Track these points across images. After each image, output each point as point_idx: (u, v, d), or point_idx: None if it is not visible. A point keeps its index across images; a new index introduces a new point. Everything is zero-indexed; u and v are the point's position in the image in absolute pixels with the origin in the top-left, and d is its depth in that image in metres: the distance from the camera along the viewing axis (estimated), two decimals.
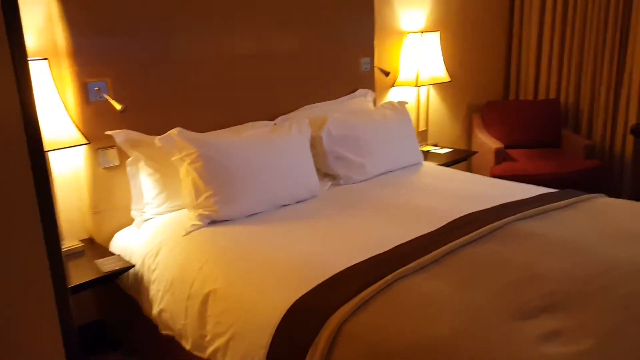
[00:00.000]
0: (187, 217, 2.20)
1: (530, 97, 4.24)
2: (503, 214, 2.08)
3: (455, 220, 2.04)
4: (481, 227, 1.93)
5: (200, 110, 2.52)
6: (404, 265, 1.66)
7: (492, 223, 1.97)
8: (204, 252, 1.97)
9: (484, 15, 4.09)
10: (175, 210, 2.32)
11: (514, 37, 4.26)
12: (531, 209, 2.13)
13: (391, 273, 1.62)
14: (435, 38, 3.51)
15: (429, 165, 3.03)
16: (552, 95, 4.13)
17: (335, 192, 2.57)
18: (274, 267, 1.79)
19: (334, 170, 2.67)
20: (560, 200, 2.25)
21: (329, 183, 2.64)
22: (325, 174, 2.69)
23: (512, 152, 3.82)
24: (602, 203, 2.27)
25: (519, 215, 2.05)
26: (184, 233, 2.09)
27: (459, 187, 2.55)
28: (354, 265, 1.71)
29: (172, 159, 2.22)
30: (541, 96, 4.18)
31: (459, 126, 4.12)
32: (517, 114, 4.02)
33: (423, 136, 3.72)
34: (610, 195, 2.42)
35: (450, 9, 3.80)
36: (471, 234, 1.87)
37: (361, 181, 2.69)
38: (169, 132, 2.20)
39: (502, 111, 4.04)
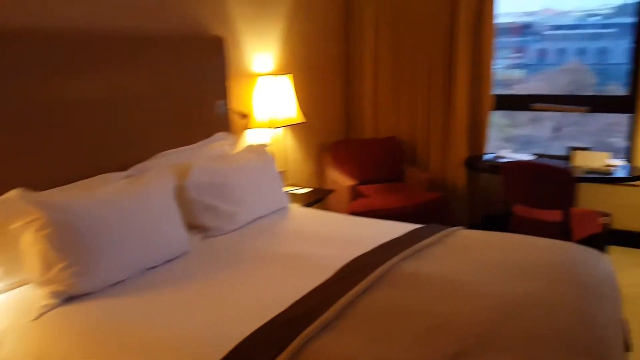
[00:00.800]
0: (34, 295, 1.82)
1: (372, 136, 4.49)
2: (384, 256, 2.10)
3: (343, 268, 2.00)
4: (369, 273, 1.91)
5: (41, 163, 2.14)
6: (307, 326, 1.56)
7: (377, 267, 1.97)
8: (64, 339, 1.63)
9: (326, 59, 4.25)
10: (15, 288, 1.91)
11: (351, 79, 4.49)
12: (407, 247, 2.19)
13: (297, 336, 1.50)
14: (287, 80, 3.53)
15: (296, 208, 2.99)
16: (390, 133, 4.42)
17: (208, 245, 2.37)
18: (155, 349, 1.54)
19: (203, 221, 2.47)
20: (429, 236, 2.36)
21: (199, 236, 2.44)
22: (193, 226, 2.48)
23: (364, 188, 3.98)
24: (464, 236, 2.43)
25: (400, 255, 2.09)
26: (33, 316, 1.72)
27: (332, 230, 2.54)
28: (253, 333, 1.55)
29: (12, 226, 1.83)
30: (381, 134, 4.46)
31: (312, 165, 4.18)
32: (362, 152, 4.22)
33: (282, 177, 3.68)
34: (452, 223, 2.63)
35: (297, 52, 3.88)
36: (363, 282, 1.84)
37: (233, 231, 2.53)
38: (6, 195, 1.82)
39: (350, 149, 4.21)
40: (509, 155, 3.80)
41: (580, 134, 4.90)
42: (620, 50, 4.97)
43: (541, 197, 3.09)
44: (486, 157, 4.00)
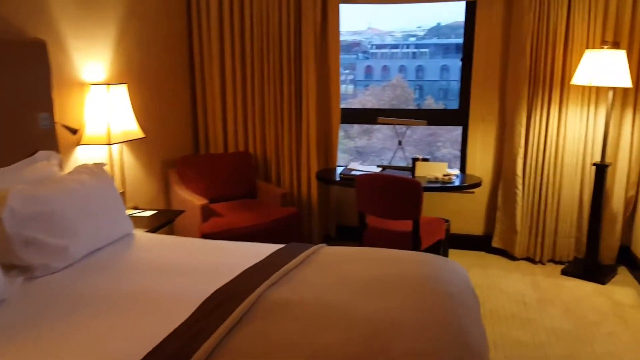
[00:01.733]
0: None
1: (221, 150, 4.27)
2: (250, 284, 1.91)
3: (204, 303, 1.77)
4: (236, 306, 1.71)
5: None
6: None
7: (244, 298, 1.78)
8: None
9: (167, 68, 3.94)
10: None
11: (197, 90, 4.24)
12: (273, 272, 2.04)
13: None
14: (122, 91, 3.16)
15: (141, 235, 2.65)
16: (241, 148, 4.25)
17: (32, 289, 1.95)
18: None
19: (25, 259, 2.04)
20: (293, 257, 2.23)
21: (21, 278, 2.00)
22: (12, 266, 2.03)
23: (216, 207, 3.74)
24: (328, 254, 2.34)
25: (267, 282, 1.92)
26: None
27: (186, 258, 2.28)
28: None
29: None
30: (231, 149, 4.26)
31: (156, 184, 3.82)
32: (212, 168, 3.98)
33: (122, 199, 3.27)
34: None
35: (133, 60, 3.51)
36: (231, 317, 1.63)
37: (64, 268, 2.13)
38: None
39: (198, 166, 3.94)
40: (359, 167, 3.87)
41: (417, 144, 5.26)
42: (434, 68, 5.54)
43: (392, 208, 3.16)
44: (338, 170, 4.03)
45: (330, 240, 4.34)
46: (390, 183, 3.13)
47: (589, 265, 3.65)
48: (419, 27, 5.47)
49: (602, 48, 3.31)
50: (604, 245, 3.75)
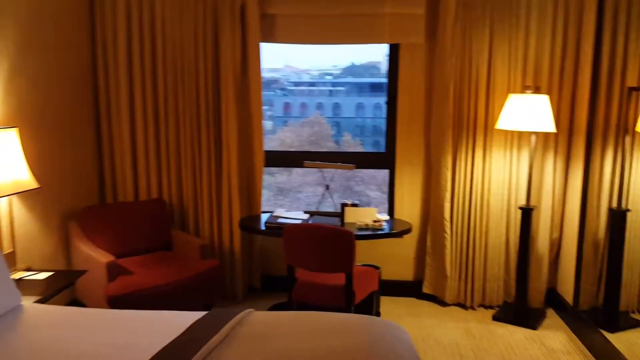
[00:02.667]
0: None
1: (131, 199, 3.86)
2: None
3: None
4: None
5: None
6: None
7: None
8: None
9: (68, 108, 3.53)
10: None
11: (103, 132, 3.83)
12: (194, 354, 1.72)
13: None
14: (12, 136, 2.74)
15: (31, 308, 2.23)
16: (154, 195, 3.87)
17: None
18: None
19: None
20: (215, 331, 1.93)
21: None
22: None
23: (126, 263, 3.32)
24: (256, 323, 2.07)
25: None
26: None
27: (85, 338, 1.90)
28: None
29: None
30: (143, 196, 3.87)
31: (53, 240, 3.35)
32: (121, 219, 3.57)
33: (10, 260, 2.81)
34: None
35: (28, 100, 3.09)
36: None
37: None
38: None
39: (104, 217, 3.52)
40: (285, 215, 3.63)
41: (338, 186, 5.15)
42: (349, 106, 5.69)
43: (324, 261, 2.94)
44: (262, 217, 3.76)
45: (255, 292, 4.02)
46: (321, 234, 2.92)
47: (519, 310, 3.61)
48: (334, 66, 5.58)
49: (525, 92, 3.35)
50: (531, 288, 3.73)
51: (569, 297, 3.61)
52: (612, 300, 3.37)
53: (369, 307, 3.36)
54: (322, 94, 5.69)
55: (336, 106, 5.67)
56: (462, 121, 3.67)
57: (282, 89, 5.57)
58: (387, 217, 3.66)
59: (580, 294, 3.50)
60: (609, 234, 3.39)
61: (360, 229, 3.42)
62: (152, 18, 3.71)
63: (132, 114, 3.81)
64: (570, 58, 3.53)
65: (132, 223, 3.60)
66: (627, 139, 3.23)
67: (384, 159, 4.01)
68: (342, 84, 5.63)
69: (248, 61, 3.76)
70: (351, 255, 2.87)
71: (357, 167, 3.91)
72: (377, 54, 5.57)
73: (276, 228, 3.38)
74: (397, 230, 3.45)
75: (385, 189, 4.14)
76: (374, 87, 5.79)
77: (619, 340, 3.12)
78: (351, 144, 5.67)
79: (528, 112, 3.28)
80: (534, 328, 3.48)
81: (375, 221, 3.51)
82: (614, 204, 3.34)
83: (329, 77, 5.63)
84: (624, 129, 3.24)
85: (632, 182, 3.31)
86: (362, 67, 5.52)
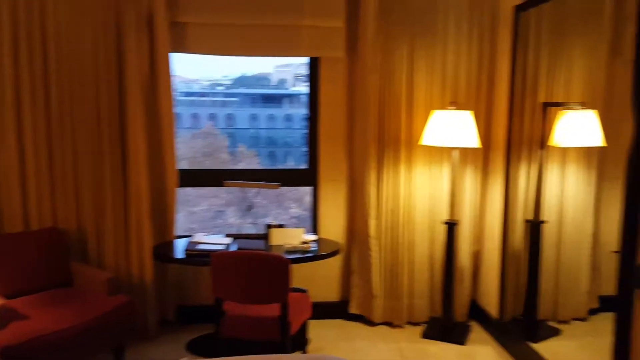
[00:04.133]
0: None
1: (20, 229, 3.32)
2: None
3: None
4: None
5: None
6: None
7: None
8: None
9: None
10: None
11: None
12: None
13: None
14: None
15: None
16: (48, 223, 3.37)
17: None
18: None
19: None
20: None
21: None
22: None
23: (17, 305, 2.82)
24: None
25: None
26: None
27: None
28: None
29: None
30: (34, 225, 3.34)
31: None
32: (9, 252, 3.05)
33: None
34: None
35: None
36: None
37: None
38: None
39: None
40: (206, 240, 3.32)
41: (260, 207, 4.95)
42: (243, 116, 5.66)
43: (257, 291, 2.69)
44: (178, 243, 3.41)
45: (169, 326, 3.64)
46: (254, 262, 2.67)
47: (446, 325, 3.61)
48: (224, 77, 5.53)
49: (449, 108, 3.36)
50: (456, 303, 3.75)
51: (490, 309, 3.68)
52: (532, 310, 3.47)
53: (299, 334, 3.15)
54: (214, 104, 5.55)
55: (229, 117, 5.61)
56: (385, 136, 3.63)
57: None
58: (314, 237, 3.49)
59: (503, 306, 3.57)
60: (526, 245, 3.49)
61: (288, 251, 3.22)
62: (43, 24, 3.24)
63: (19, 129, 3.28)
64: (486, 74, 3.63)
65: (23, 257, 3.08)
66: (542, 153, 3.36)
67: (307, 176, 3.85)
68: (234, 94, 5.52)
69: (157, 72, 3.41)
70: (286, 283, 2.65)
71: (282, 185, 3.70)
72: (267, 65, 5.55)
73: (199, 256, 3.06)
74: (326, 252, 3.30)
75: (303, 205, 3.98)
76: (267, 99, 5.76)
77: (543, 349, 3.20)
78: (246, 155, 5.55)
79: (452, 128, 3.30)
80: (462, 343, 3.49)
81: (303, 243, 3.33)
82: (531, 216, 3.45)
83: (220, 88, 5.48)
84: (538, 143, 3.37)
85: (546, 194, 3.45)
86: (253, 78, 5.54)
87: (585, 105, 3.20)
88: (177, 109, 3.59)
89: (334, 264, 3.84)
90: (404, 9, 3.52)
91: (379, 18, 3.51)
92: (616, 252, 2.35)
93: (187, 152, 5.22)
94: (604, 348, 2.40)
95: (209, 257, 2.74)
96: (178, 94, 5.21)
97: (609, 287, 2.54)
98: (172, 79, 3.43)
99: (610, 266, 2.69)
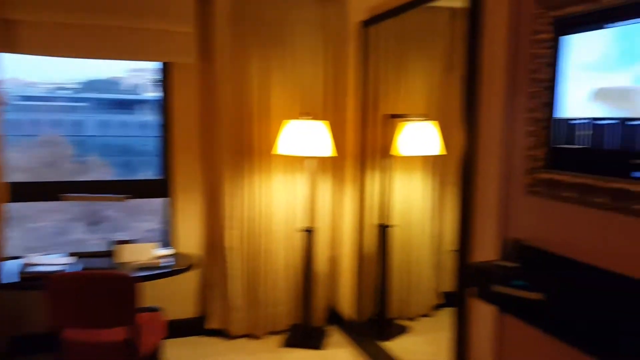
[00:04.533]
0: None
1: None
2: None
3: None
4: None
5: None
6: None
7: None
8: None
9: None
10: None
11: None
12: None
13: None
14: None
15: None
16: None
17: None
18: None
19: None
20: None
21: None
22: None
23: None
24: None
25: None
26: None
27: None
28: None
29: None
30: None
31: None
32: None
33: None
34: None
35: None
36: None
37: None
38: None
39: None
40: (44, 261, 2.99)
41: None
42: (93, 123, 5.32)
43: (99, 314, 2.48)
44: (10, 265, 3.03)
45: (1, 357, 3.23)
46: (94, 283, 2.46)
47: (305, 331, 3.66)
48: (72, 80, 5.09)
49: (303, 118, 3.42)
50: (315, 308, 3.82)
51: (348, 311, 3.80)
52: (383, 310, 3.66)
53: (153, 356, 2.97)
54: (60, 109, 5.11)
55: (77, 124, 5.18)
56: (240, 146, 3.59)
57: (7, 104, 4.81)
58: (168, 251, 3.32)
59: (358, 307, 3.72)
60: (377, 249, 3.67)
61: (138, 268, 3.03)
62: None
63: None
64: (340, 86, 3.76)
65: None
66: (387, 161, 3.56)
67: (160, 187, 3.67)
68: (83, 99, 5.14)
69: None
70: (133, 304, 2.48)
71: (131, 198, 3.47)
72: (119, 69, 5.27)
73: (35, 279, 2.75)
74: (180, 267, 3.16)
75: (161, 218, 3.80)
76: (119, 104, 5.47)
77: (394, 347, 3.38)
78: (97, 165, 5.20)
79: (306, 137, 3.36)
80: (320, 348, 3.56)
81: (155, 258, 3.15)
82: (380, 221, 3.64)
83: (66, 92, 5.08)
84: (384, 152, 3.57)
85: (395, 199, 3.67)
86: (104, 82, 5.15)
87: (426, 116, 3.45)
88: (10, 115, 3.21)
89: (190, 278, 3.69)
90: (256, 18, 3.52)
91: (232, 26, 3.47)
92: (454, 251, 2.56)
93: (25, 162, 4.71)
94: (447, 342, 2.60)
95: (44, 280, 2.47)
96: (14, 98, 4.69)
97: (451, 284, 2.76)
98: (2, 82, 3.06)
99: (450, 264, 2.93)
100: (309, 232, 3.60)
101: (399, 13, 3.13)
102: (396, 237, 3.67)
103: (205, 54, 3.53)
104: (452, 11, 3.47)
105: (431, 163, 3.72)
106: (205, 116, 3.61)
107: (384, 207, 3.61)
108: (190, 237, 3.68)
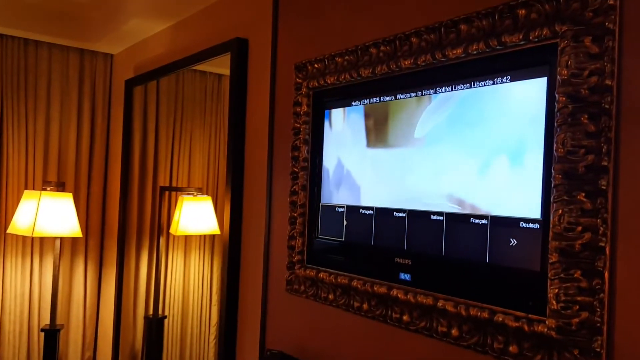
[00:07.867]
0: None
1: None
2: None
3: None
4: None
5: None
6: None
7: None
8: None
9: None
10: None
11: None
12: None
13: None
14: None
15: None
16: None
17: None
18: None
19: None
20: None
21: None
22: None
23: None
24: None
25: None
26: None
27: None
28: None
29: None
30: None
31: None
32: None
33: None
34: None
35: None
36: None
37: None
38: None
39: None
40: None
41: None
42: None
43: None
44: None
45: None
46: None
47: None
48: None
49: (45, 189, 2.75)
50: None
51: None
52: None
53: None
54: None
55: None
56: None
57: None
58: None
59: None
60: (145, 344, 3.08)
61: None
62: None
63: None
64: (99, 153, 3.20)
65: None
66: (162, 241, 3.05)
67: None
68: None
69: None
70: None
71: None
72: None
73: None
74: None
75: None
76: None
77: None
78: None
79: (49, 212, 2.69)
80: None
81: None
82: (150, 312, 3.07)
83: None
84: (157, 230, 3.07)
85: (168, 285, 3.14)
86: None
87: (201, 191, 3.05)
88: None
89: None
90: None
91: None
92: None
93: None
94: None
95: None
96: None
97: None
98: None
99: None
100: (55, 332, 2.85)
101: (162, 75, 2.75)
102: (170, 329, 3.12)
103: None
104: (219, 77, 3.22)
105: (211, 242, 3.31)
106: None
107: (156, 295, 3.05)
108: None
